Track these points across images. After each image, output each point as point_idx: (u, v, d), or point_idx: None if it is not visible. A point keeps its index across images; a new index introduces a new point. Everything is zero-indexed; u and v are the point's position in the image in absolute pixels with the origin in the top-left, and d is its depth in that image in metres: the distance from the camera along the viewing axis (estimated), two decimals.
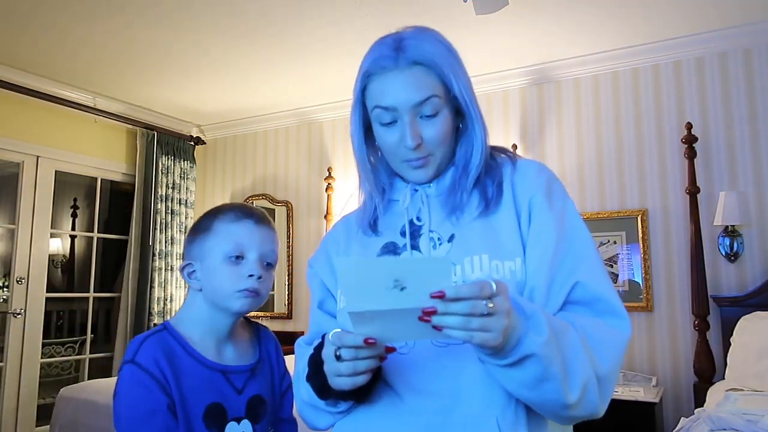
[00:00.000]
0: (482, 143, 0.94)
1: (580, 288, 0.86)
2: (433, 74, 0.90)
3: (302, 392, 0.94)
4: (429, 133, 0.91)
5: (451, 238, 0.92)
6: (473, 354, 0.83)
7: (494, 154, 1.00)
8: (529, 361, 0.75)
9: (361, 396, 0.87)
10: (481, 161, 0.94)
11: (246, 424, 1.10)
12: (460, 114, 0.96)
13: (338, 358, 0.80)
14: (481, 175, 0.95)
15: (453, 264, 0.88)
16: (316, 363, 0.88)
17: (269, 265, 1.16)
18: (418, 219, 0.96)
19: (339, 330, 0.81)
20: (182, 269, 1.15)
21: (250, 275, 1.10)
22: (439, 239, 0.93)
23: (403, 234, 0.96)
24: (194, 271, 1.14)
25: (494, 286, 0.70)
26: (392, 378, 0.88)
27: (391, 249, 0.96)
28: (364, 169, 1.00)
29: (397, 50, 0.90)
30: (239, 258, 1.11)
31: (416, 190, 0.98)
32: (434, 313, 0.68)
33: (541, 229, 0.89)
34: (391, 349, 0.78)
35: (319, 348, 0.89)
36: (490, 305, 0.69)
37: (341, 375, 0.80)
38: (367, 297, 0.70)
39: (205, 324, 1.13)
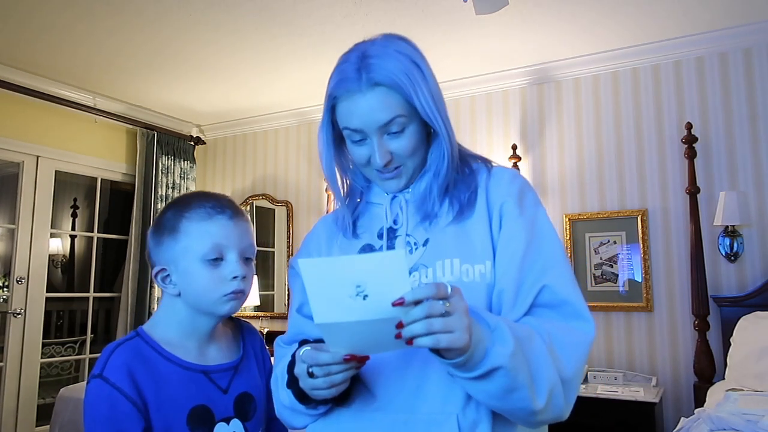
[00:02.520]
0: (448, 153, 0.96)
1: (547, 291, 0.88)
2: (395, 94, 0.90)
3: (282, 397, 0.95)
4: (397, 148, 0.94)
5: (425, 243, 0.95)
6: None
7: (470, 160, 1.03)
8: (496, 374, 0.77)
9: (341, 399, 0.90)
10: (449, 169, 0.97)
11: (236, 423, 1.06)
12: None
13: (311, 375, 0.82)
14: (450, 183, 0.98)
15: (418, 268, 0.92)
16: (293, 371, 0.90)
17: (248, 260, 1.09)
18: (395, 222, 0.99)
19: (309, 348, 0.83)
20: (156, 276, 1.07)
21: (234, 277, 1.04)
22: (415, 244, 0.96)
23: (380, 236, 0.99)
24: (168, 275, 1.06)
25: (449, 287, 0.72)
26: (362, 378, 0.91)
27: (368, 251, 1.00)
28: (333, 187, 1.03)
29: (359, 71, 0.90)
30: (218, 259, 1.04)
31: (395, 196, 1.01)
32: (403, 325, 0.71)
33: (511, 234, 0.92)
34: (364, 358, 0.79)
35: (296, 355, 0.91)
36: (447, 305, 0.71)
37: (319, 389, 0.83)
38: (332, 306, 0.72)
39: (185, 326, 1.07)
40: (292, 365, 0.91)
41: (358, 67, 0.91)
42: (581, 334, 0.87)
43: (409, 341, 0.71)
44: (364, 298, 0.70)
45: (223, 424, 1.04)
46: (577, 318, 0.88)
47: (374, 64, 0.90)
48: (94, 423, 0.96)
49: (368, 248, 1.00)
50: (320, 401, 0.89)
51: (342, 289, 0.71)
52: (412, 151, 0.95)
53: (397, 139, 0.93)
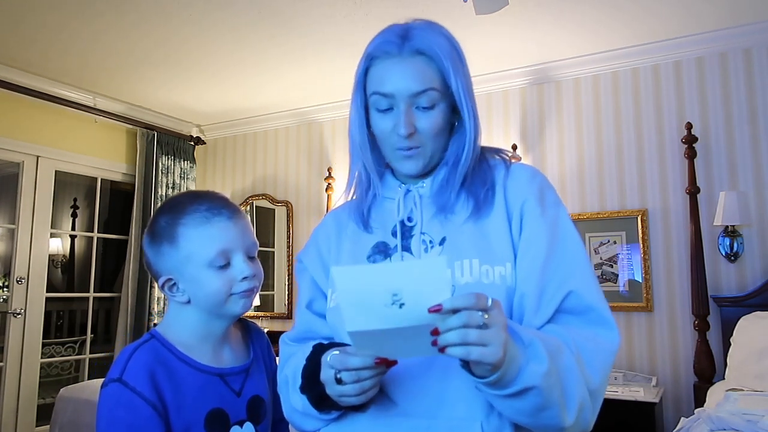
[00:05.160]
0: (472, 141, 0.94)
1: (573, 297, 0.85)
2: (434, 67, 0.90)
3: (294, 401, 0.92)
4: (423, 125, 0.91)
5: (442, 241, 0.91)
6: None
7: (488, 155, 0.99)
8: (529, 393, 0.74)
9: (360, 405, 0.87)
10: (470, 159, 0.94)
11: (249, 426, 1.05)
12: (456, 111, 0.95)
13: (339, 381, 0.79)
14: (468, 175, 0.94)
15: (448, 265, 0.88)
16: (310, 375, 0.87)
17: (252, 257, 1.07)
18: (410, 219, 0.96)
19: (338, 352, 0.80)
20: (162, 286, 1.04)
21: (244, 278, 1.02)
22: (431, 242, 0.92)
23: (394, 234, 0.96)
24: (175, 284, 1.03)
25: (490, 299, 0.70)
26: (380, 382, 0.87)
27: (382, 249, 0.96)
28: (363, 148, 0.97)
29: (402, 38, 0.90)
30: (225, 264, 1.02)
31: (409, 190, 0.98)
32: (438, 332, 0.68)
33: (533, 235, 0.88)
34: (392, 362, 0.77)
35: (312, 359, 0.88)
36: (486, 317, 0.68)
37: (347, 396, 0.80)
38: (366, 314, 0.69)
39: (198, 331, 1.05)
40: (307, 369, 0.88)
41: (402, 35, 0.91)
42: (607, 342, 0.84)
43: (442, 349, 0.69)
44: (400, 307, 0.68)
45: (237, 427, 1.04)
46: (603, 325, 0.85)
47: (418, 35, 0.91)
48: (111, 429, 0.94)
49: (382, 245, 0.96)
50: (335, 407, 0.86)
51: (377, 298, 0.68)
52: (436, 131, 0.92)
53: (425, 114, 0.90)
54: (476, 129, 0.94)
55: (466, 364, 0.74)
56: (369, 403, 0.87)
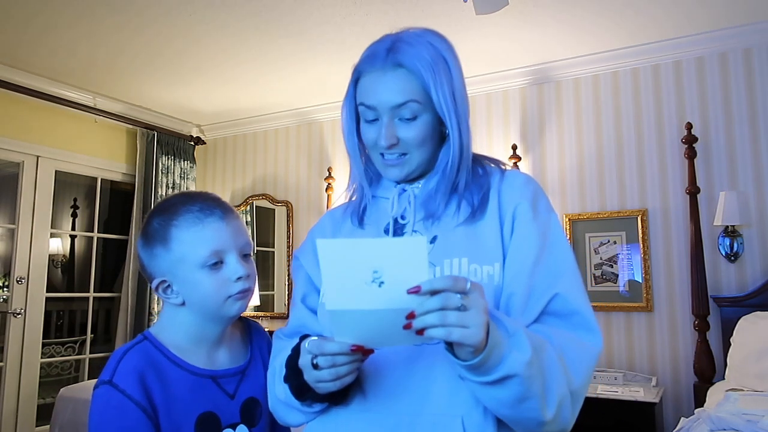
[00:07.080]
0: (458, 150, 0.95)
1: (559, 300, 0.87)
2: (415, 79, 0.92)
3: (278, 391, 0.93)
4: (405, 135, 0.93)
5: (433, 240, 0.94)
6: (443, 354, 0.83)
7: (484, 162, 1.02)
8: (510, 381, 0.75)
9: (338, 398, 0.88)
10: (456, 168, 0.96)
11: (242, 429, 1.04)
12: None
13: (315, 366, 0.80)
14: (461, 183, 0.96)
15: (437, 263, 0.90)
16: (294, 366, 0.88)
17: (247, 256, 1.06)
18: (402, 218, 0.98)
19: (316, 338, 0.81)
20: (156, 288, 1.03)
21: (238, 278, 1.01)
22: None
23: (387, 231, 0.99)
24: (169, 286, 1.03)
25: (468, 283, 0.71)
26: (363, 378, 0.89)
27: None
28: (354, 157, 1.02)
29: (388, 51, 0.92)
30: (218, 263, 1.01)
31: (404, 190, 1.00)
32: (413, 316, 0.69)
33: (524, 238, 0.90)
34: (369, 351, 0.77)
35: (297, 349, 0.89)
36: (465, 299, 0.69)
37: (323, 381, 0.81)
38: (346, 292, 0.70)
39: (192, 333, 1.04)
40: (291, 359, 0.89)
41: (388, 47, 0.93)
42: (589, 346, 0.86)
43: (420, 332, 0.69)
44: (379, 285, 0.69)
45: (229, 430, 1.03)
46: (586, 329, 0.87)
47: (402, 48, 0.92)
48: (101, 431, 0.93)
49: None
50: (315, 399, 0.88)
51: (358, 274, 0.69)
52: (420, 141, 0.94)
53: (408, 125, 0.93)
54: (462, 138, 0.95)
55: (450, 348, 0.75)
56: (351, 398, 0.89)
